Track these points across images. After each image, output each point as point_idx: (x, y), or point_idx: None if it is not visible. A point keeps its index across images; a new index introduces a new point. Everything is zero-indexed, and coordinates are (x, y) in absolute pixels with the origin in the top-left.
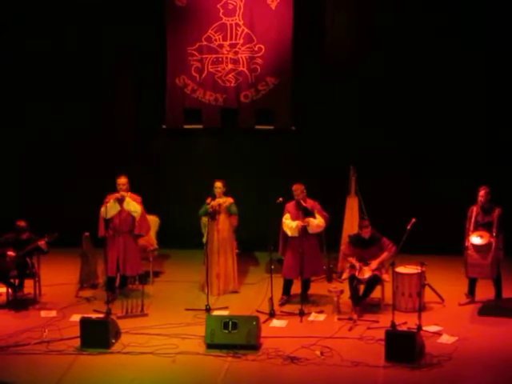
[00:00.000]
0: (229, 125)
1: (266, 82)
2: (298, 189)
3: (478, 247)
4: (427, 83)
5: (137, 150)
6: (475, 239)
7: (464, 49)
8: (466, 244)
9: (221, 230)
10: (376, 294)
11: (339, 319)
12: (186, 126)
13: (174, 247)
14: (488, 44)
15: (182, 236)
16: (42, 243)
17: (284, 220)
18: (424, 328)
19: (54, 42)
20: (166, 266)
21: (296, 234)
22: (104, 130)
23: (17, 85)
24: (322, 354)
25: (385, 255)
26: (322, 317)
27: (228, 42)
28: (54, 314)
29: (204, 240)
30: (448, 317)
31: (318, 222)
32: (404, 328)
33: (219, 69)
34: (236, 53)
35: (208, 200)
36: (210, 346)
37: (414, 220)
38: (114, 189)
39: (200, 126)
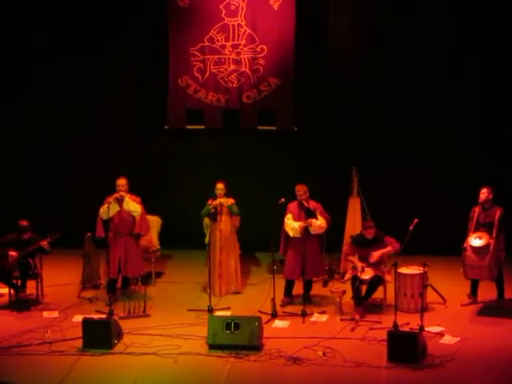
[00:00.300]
0: (231, 125)
1: (268, 83)
2: (301, 189)
3: (476, 249)
4: (428, 83)
5: (138, 151)
6: (473, 241)
7: (464, 49)
8: (465, 245)
9: (223, 231)
10: (378, 294)
11: (341, 320)
12: (188, 127)
13: (176, 248)
14: (488, 44)
15: (184, 237)
16: (44, 243)
17: (286, 220)
18: (426, 328)
19: (54, 41)
20: (168, 267)
21: (298, 235)
22: (104, 130)
23: (17, 85)
24: (324, 354)
25: (388, 249)
26: (324, 317)
27: (230, 43)
28: (56, 314)
29: (206, 240)
30: (450, 317)
31: (320, 223)
32: (406, 328)
33: (221, 69)
34: (238, 53)
35: (209, 201)
36: (212, 347)
37: (416, 220)
38: (114, 189)
39: (202, 127)
